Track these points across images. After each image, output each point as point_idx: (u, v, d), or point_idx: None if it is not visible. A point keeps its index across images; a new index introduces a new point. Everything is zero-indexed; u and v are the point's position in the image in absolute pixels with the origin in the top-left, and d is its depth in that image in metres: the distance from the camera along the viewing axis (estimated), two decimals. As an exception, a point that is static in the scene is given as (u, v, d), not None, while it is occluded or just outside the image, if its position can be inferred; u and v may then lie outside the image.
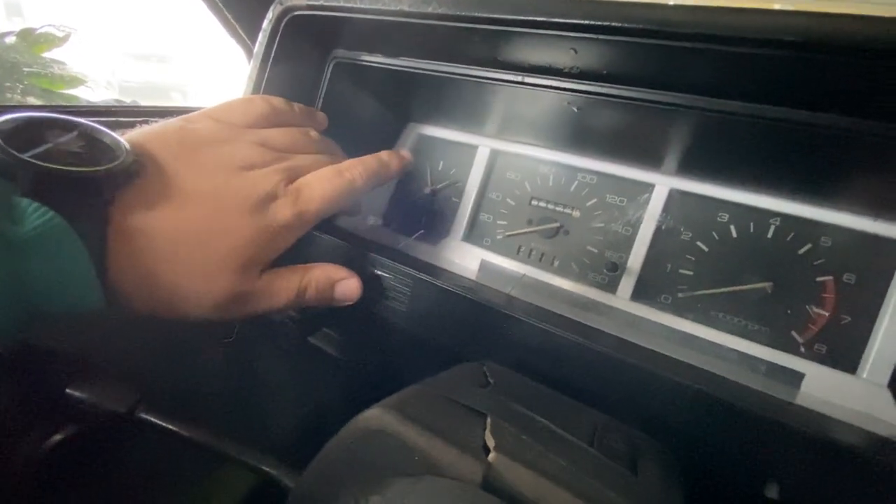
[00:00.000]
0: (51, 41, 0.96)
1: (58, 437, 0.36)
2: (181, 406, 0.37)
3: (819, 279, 0.35)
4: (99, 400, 0.35)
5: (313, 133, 0.38)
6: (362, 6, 0.34)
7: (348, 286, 0.37)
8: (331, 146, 0.40)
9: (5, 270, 0.21)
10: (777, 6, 0.25)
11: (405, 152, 0.44)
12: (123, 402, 0.35)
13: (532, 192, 0.46)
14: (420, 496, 0.18)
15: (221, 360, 0.53)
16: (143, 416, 0.36)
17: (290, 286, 0.33)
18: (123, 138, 0.27)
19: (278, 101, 0.37)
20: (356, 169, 0.35)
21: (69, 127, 0.26)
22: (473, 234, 0.48)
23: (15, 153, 0.22)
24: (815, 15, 0.23)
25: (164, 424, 0.36)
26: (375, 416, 0.22)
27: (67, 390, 0.34)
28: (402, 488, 0.19)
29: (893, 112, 0.26)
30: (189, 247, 0.27)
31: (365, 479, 0.20)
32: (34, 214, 0.22)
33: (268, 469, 0.35)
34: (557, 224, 0.44)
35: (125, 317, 0.27)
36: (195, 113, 0.33)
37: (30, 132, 0.24)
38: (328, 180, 0.33)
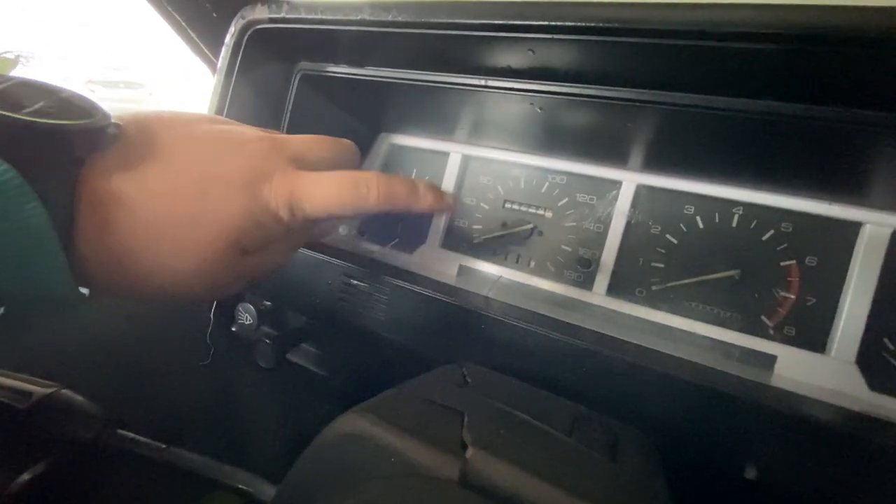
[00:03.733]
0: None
1: (26, 476, 0.34)
2: (158, 432, 0.36)
3: (783, 264, 0.36)
4: (67, 428, 0.34)
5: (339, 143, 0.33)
6: (323, 17, 0.34)
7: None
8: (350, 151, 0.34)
9: None
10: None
11: (452, 196, 0.38)
12: (93, 428, 0.34)
13: (505, 195, 0.47)
14: (397, 497, 0.18)
15: (199, 382, 0.51)
16: (119, 444, 0.35)
17: (275, 258, 0.31)
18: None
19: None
20: (377, 187, 0.29)
21: (45, 89, 0.22)
22: (450, 240, 0.48)
23: None
24: (763, 7, 0.24)
25: (140, 452, 0.35)
26: (350, 420, 0.21)
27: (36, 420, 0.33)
28: (378, 490, 0.19)
29: (842, 97, 0.27)
30: (176, 222, 0.24)
31: (341, 484, 0.20)
32: None
33: (251, 490, 0.34)
34: (531, 225, 0.45)
35: (93, 298, 0.24)
36: None
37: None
38: (338, 186, 0.28)
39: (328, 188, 0.28)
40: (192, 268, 0.25)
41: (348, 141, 0.33)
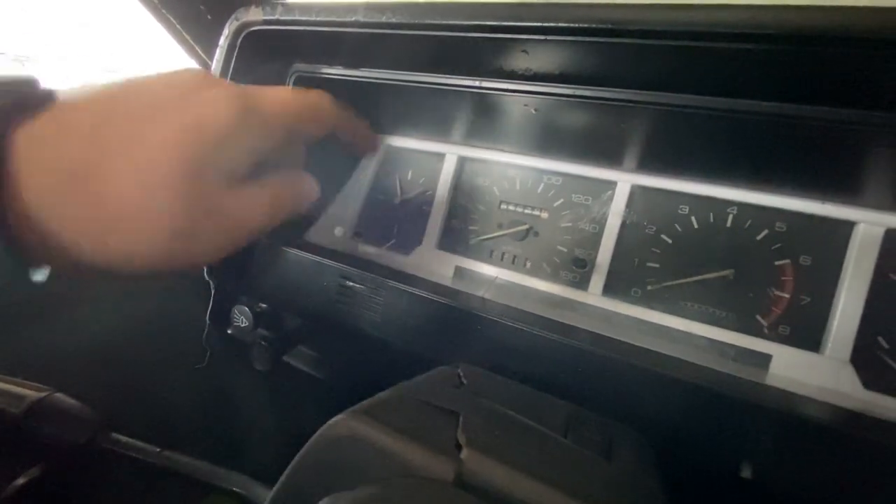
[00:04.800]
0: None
1: (20, 481, 0.34)
2: (152, 435, 0.36)
3: (777, 263, 0.36)
4: (61, 432, 0.33)
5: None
6: (318, 19, 0.34)
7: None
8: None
9: None
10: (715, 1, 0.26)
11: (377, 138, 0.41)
12: (87, 432, 0.33)
13: (501, 197, 0.47)
14: (392, 498, 0.18)
15: (194, 385, 0.51)
16: (113, 447, 0.35)
17: (262, 200, 0.27)
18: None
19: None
20: (325, 97, 0.30)
21: None
22: (446, 241, 0.48)
23: None
24: (755, 7, 0.25)
25: (135, 456, 0.35)
26: (344, 422, 0.21)
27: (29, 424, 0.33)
28: (373, 492, 0.19)
29: (834, 97, 0.27)
30: (122, 151, 0.21)
31: (336, 485, 0.20)
32: None
33: (247, 493, 0.34)
34: (527, 226, 0.45)
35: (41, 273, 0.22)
36: None
37: None
38: (290, 94, 0.28)
39: (281, 91, 0.27)
40: (141, 204, 0.21)
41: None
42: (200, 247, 0.24)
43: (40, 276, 0.22)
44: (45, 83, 0.22)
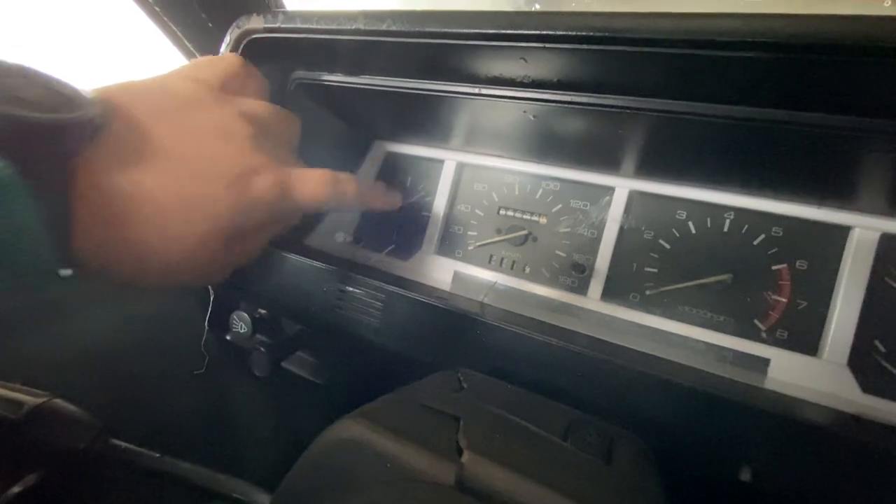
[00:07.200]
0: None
1: (18, 488, 0.34)
2: (152, 441, 0.36)
3: (774, 267, 0.36)
4: (60, 438, 0.33)
5: (291, 114, 0.38)
6: (319, 27, 0.34)
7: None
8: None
9: None
10: (716, 9, 0.27)
11: (397, 195, 0.45)
12: (86, 437, 0.33)
13: (499, 202, 0.47)
14: (393, 502, 0.18)
15: (193, 391, 0.51)
16: (112, 453, 0.34)
17: (261, 242, 0.34)
18: (91, 90, 0.25)
19: (250, 64, 0.36)
20: (352, 184, 0.35)
21: (26, 75, 0.23)
22: (445, 247, 0.49)
23: None
24: (751, 16, 0.25)
25: (134, 462, 0.35)
26: (345, 426, 0.21)
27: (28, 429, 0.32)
28: (374, 496, 0.19)
29: (829, 104, 0.27)
30: (170, 213, 0.26)
31: (337, 489, 0.20)
32: None
33: (246, 499, 0.34)
34: (526, 231, 0.45)
35: (90, 280, 0.25)
36: (168, 73, 0.32)
37: None
38: (323, 182, 0.33)
39: (315, 183, 0.32)
40: (181, 257, 0.26)
41: (292, 114, 0.38)
42: (210, 279, 0.33)
43: (66, 272, 0.24)
44: (94, 100, 0.24)
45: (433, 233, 0.49)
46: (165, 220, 0.25)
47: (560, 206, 0.44)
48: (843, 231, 0.35)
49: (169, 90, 0.29)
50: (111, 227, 0.24)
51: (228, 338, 0.50)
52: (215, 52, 0.39)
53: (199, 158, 0.27)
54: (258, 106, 0.33)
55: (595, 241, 0.42)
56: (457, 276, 0.46)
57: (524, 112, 0.36)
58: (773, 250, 0.36)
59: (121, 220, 0.24)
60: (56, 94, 0.23)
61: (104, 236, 0.24)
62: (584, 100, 0.32)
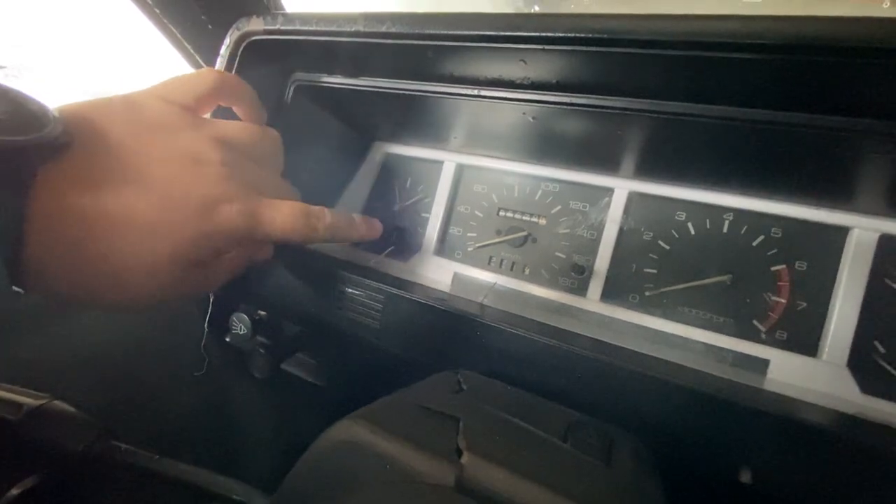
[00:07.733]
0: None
1: (16, 490, 0.33)
2: (151, 443, 0.36)
3: (773, 268, 0.36)
4: (59, 440, 0.33)
5: (272, 132, 0.36)
6: (318, 29, 0.34)
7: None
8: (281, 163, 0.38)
9: None
10: (714, 11, 0.27)
11: (378, 224, 0.42)
12: (86, 439, 0.33)
13: (499, 203, 0.47)
14: (391, 503, 0.18)
15: (193, 392, 0.51)
16: (112, 455, 0.34)
17: (227, 269, 0.34)
18: (58, 107, 0.24)
19: (230, 76, 0.34)
20: (323, 220, 0.33)
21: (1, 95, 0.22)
22: (444, 248, 0.49)
23: None
24: (750, 18, 0.25)
25: (134, 463, 0.35)
26: (345, 427, 0.21)
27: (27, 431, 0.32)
28: (374, 497, 0.19)
29: (828, 105, 0.27)
30: (132, 239, 0.25)
31: (337, 491, 0.20)
32: None
33: (246, 501, 0.34)
34: (525, 233, 0.45)
35: (45, 300, 0.25)
36: (139, 91, 0.30)
37: None
38: (293, 217, 0.31)
39: (284, 215, 0.31)
40: (140, 281, 0.26)
41: (273, 131, 0.36)
42: (168, 300, 0.29)
43: (18, 290, 0.24)
44: (58, 118, 0.24)
45: (432, 234, 0.49)
46: (125, 243, 0.25)
47: (559, 207, 0.45)
48: (842, 232, 0.35)
49: (138, 110, 0.28)
50: (71, 246, 0.24)
51: (228, 339, 0.50)
52: (215, 54, 0.40)
53: (165, 183, 0.27)
54: (234, 128, 0.32)
55: (594, 243, 0.42)
56: (456, 278, 0.46)
57: (523, 113, 0.36)
58: (773, 251, 0.37)
59: (82, 245, 0.24)
60: (19, 114, 0.22)
61: (63, 261, 0.24)
62: (584, 101, 0.32)
